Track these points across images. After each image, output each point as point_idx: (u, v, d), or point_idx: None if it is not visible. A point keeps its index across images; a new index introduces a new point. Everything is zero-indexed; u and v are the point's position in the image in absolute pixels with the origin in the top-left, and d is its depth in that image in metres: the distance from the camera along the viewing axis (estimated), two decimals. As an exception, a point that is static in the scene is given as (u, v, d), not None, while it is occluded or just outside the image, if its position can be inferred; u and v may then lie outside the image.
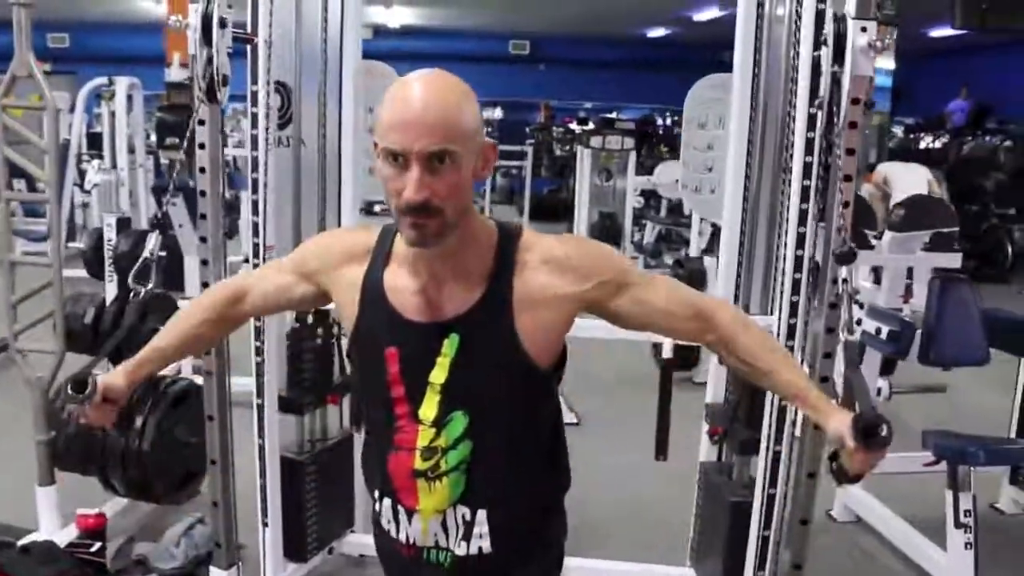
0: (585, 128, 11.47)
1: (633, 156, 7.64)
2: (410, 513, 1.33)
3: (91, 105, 7.18)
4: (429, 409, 1.29)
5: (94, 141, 7.37)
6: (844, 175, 1.98)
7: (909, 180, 5.90)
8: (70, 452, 2.79)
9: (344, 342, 2.57)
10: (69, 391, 1.32)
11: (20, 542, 2.64)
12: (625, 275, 1.32)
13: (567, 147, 12.38)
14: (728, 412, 2.60)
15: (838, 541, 3.26)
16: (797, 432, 2.26)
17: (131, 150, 4.99)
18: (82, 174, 6.75)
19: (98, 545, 2.68)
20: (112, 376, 1.38)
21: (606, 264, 1.32)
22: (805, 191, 2.14)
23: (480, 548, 1.33)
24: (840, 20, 1.93)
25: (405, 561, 1.38)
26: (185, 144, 2.11)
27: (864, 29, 1.88)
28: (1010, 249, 8.13)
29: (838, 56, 1.92)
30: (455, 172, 1.17)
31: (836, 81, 1.94)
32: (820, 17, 2.03)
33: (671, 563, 2.81)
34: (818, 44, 2.00)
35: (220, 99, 2.02)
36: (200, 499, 2.96)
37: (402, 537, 1.36)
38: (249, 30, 2.23)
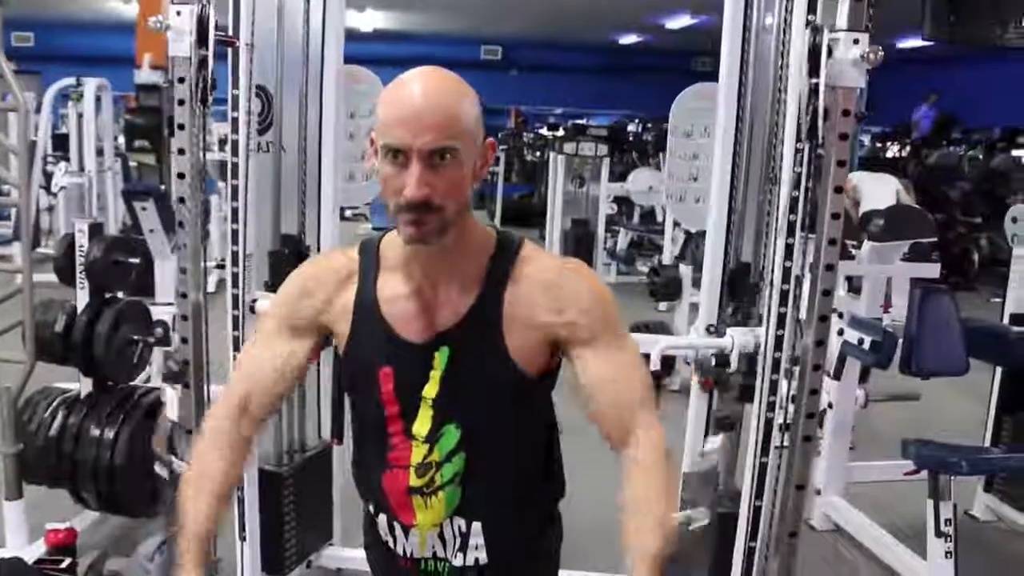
0: (557, 134, 11.49)
1: (607, 163, 7.61)
2: (407, 528, 1.32)
3: (57, 106, 7.04)
4: (422, 425, 1.27)
5: (60, 143, 7.22)
6: (835, 187, 1.98)
7: (877, 189, 5.98)
8: (39, 464, 2.71)
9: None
10: None
11: (-14, 559, 2.56)
12: (604, 327, 1.25)
13: (538, 153, 12.38)
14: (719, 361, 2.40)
15: (818, 550, 3.27)
16: (786, 442, 2.25)
17: (99, 153, 4.89)
18: (48, 176, 6.60)
19: (68, 561, 2.60)
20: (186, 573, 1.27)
21: (590, 305, 1.25)
22: (793, 202, 2.14)
23: (476, 559, 1.33)
24: (818, 31, 1.90)
25: (402, 572, 1.37)
26: (168, 148, 2.05)
27: (856, 41, 1.87)
28: (976, 257, 8.25)
29: (814, 69, 1.89)
30: (456, 169, 1.16)
31: (815, 91, 1.91)
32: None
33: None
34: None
35: (209, 103, 1.97)
36: (175, 512, 2.89)
37: (399, 550, 1.35)
38: (231, 33, 2.18)
